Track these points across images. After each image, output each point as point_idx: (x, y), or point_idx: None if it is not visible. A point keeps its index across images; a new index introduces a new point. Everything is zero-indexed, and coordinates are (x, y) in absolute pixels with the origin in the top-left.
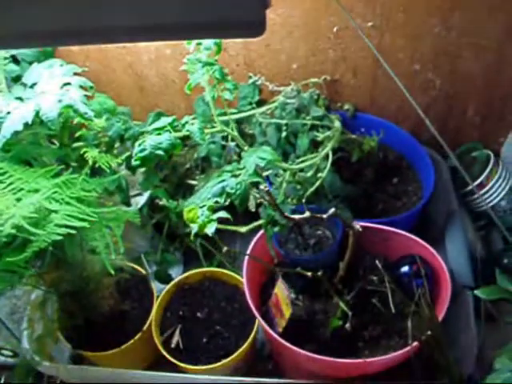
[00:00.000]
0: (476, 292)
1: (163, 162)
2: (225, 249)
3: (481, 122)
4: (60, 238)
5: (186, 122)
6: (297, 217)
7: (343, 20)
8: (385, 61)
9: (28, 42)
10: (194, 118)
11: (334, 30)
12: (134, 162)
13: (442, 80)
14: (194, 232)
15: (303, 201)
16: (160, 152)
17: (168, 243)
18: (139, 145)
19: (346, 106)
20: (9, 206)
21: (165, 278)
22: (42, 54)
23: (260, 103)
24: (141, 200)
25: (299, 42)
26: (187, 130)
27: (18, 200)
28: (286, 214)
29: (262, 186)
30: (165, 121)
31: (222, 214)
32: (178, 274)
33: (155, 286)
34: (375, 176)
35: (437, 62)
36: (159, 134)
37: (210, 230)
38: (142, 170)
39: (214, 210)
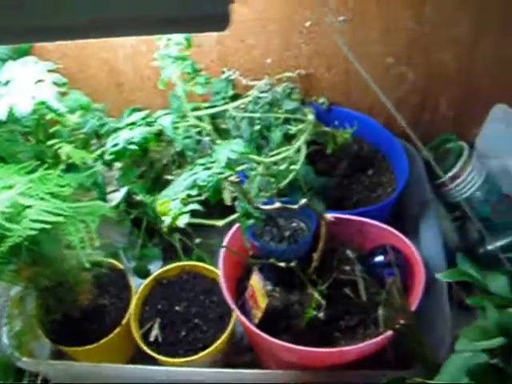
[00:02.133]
0: (437, 275)
1: (140, 157)
2: (197, 240)
3: (454, 114)
4: (35, 232)
5: (159, 117)
6: (268, 207)
7: (316, 14)
8: (358, 54)
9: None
10: (169, 113)
11: (307, 24)
12: (107, 157)
13: (415, 73)
14: (165, 224)
15: (277, 193)
16: (133, 147)
17: (147, 238)
18: (112, 140)
19: (321, 100)
20: None
21: (144, 273)
22: (17, 51)
23: (234, 98)
24: (118, 196)
25: (273, 36)
26: (160, 125)
27: None
28: (257, 204)
29: (232, 178)
30: (137, 116)
31: (194, 206)
32: (157, 269)
33: (134, 280)
34: (350, 168)
35: (410, 56)
36: (132, 128)
37: (181, 222)
38: (120, 165)
39: (187, 203)
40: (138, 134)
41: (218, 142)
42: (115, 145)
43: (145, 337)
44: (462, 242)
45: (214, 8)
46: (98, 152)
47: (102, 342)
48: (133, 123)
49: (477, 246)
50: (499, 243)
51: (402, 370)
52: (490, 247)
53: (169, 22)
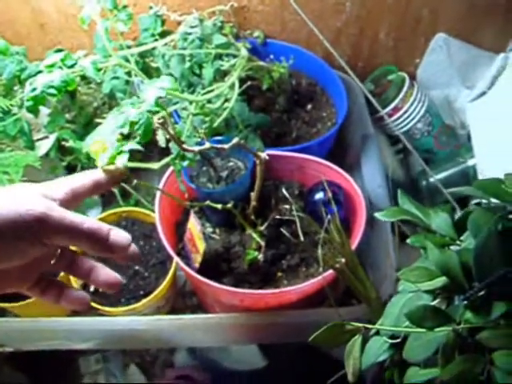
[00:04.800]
0: (377, 214)
1: (69, 101)
2: (130, 184)
3: (394, 44)
4: None
5: (80, 58)
6: (196, 148)
7: None
8: None
9: None
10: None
11: None
12: (26, 104)
13: (352, 2)
14: (102, 164)
15: (214, 132)
16: (52, 91)
17: None
18: (30, 84)
19: (256, 33)
20: None
21: None
22: None
23: (164, 34)
24: (48, 143)
25: None
26: (80, 66)
27: None
28: (185, 146)
29: (155, 118)
30: (56, 57)
31: (133, 145)
32: (96, 216)
33: None
34: (289, 103)
35: None
36: (50, 71)
37: (121, 161)
38: (48, 112)
39: (123, 143)
40: (57, 77)
41: (146, 81)
42: (33, 89)
43: (85, 287)
44: (406, 175)
45: None
46: (19, 98)
47: None
48: (51, 65)
49: (419, 178)
50: (441, 175)
51: (346, 307)
52: (431, 179)
53: None
